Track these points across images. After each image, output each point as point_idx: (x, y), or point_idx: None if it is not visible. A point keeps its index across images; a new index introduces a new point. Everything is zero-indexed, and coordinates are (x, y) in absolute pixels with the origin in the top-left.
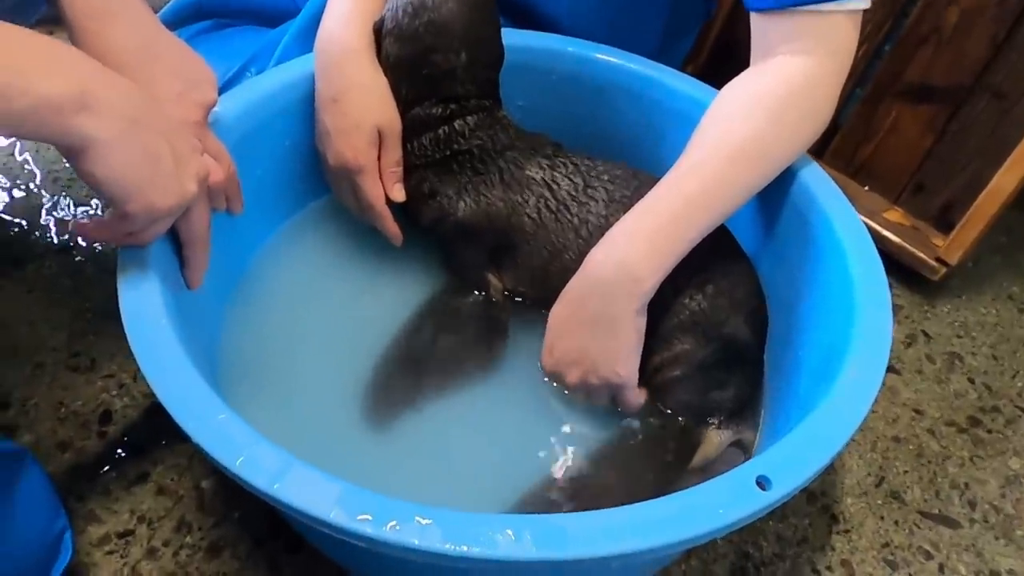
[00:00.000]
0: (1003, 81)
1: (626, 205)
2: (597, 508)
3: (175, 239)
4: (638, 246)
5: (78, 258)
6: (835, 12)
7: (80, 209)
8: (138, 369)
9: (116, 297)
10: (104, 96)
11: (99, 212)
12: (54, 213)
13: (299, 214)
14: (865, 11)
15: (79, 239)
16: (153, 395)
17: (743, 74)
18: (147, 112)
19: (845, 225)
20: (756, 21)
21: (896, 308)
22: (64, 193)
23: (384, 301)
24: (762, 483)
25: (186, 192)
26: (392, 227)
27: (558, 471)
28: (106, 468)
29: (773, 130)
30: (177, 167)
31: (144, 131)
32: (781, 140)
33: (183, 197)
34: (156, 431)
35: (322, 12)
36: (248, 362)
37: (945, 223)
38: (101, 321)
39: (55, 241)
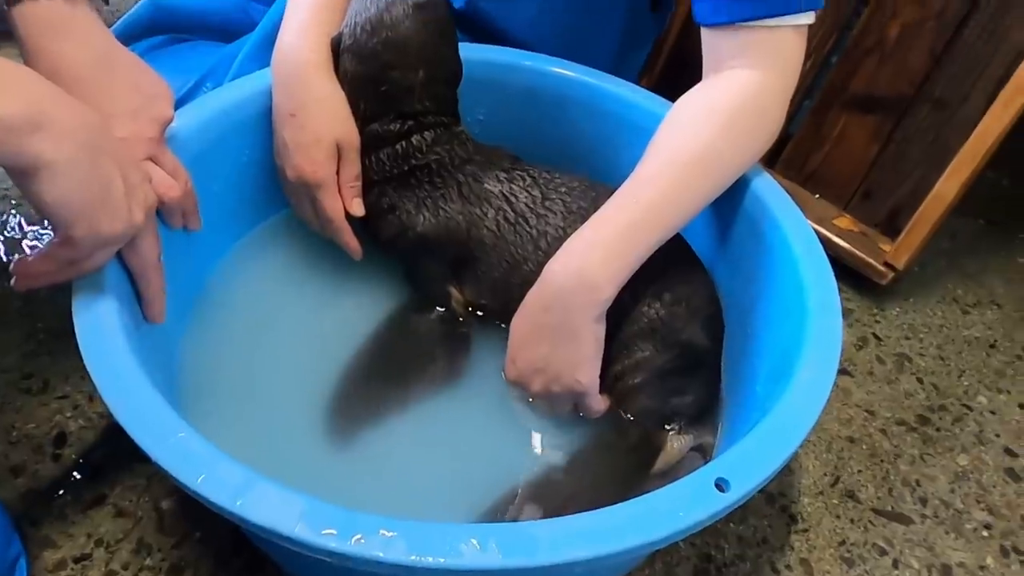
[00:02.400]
0: (943, 91)
1: (584, 216)
2: (562, 515)
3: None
4: (595, 255)
5: None
6: (782, 27)
7: (31, 229)
8: (93, 389)
9: (69, 317)
10: (59, 118)
11: (50, 233)
12: (4, 232)
13: (258, 228)
14: (811, 25)
15: (18, 283)
16: (109, 415)
17: (696, 87)
18: (101, 137)
19: (796, 233)
20: (706, 35)
21: (847, 312)
22: (13, 211)
23: (345, 315)
24: (721, 485)
25: (134, 220)
26: (352, 241)
27: (524, 480)
28: (61, 492)
29: (725, 141)
30: (127, 194)
31: (97, 155)
32: (733, 150)
33: (130, 224)
34: (113, 452)
35: (279, 26)
36: (208, 378)
37: (893, 229)
38: (54, 341)
39: (4, 260)
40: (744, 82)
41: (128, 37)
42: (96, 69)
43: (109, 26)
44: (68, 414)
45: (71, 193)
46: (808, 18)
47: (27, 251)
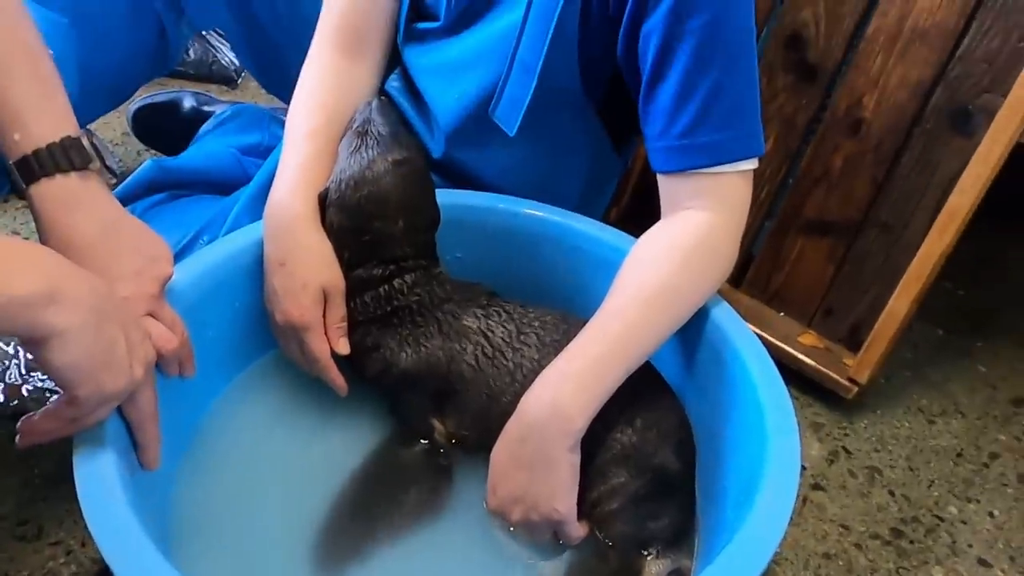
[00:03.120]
0: (887, 215)
1: (557, 349)
2: None
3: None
4: (568, 388)
5: None
6: (729, 172)
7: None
8: (87, 534)
9: (66, 461)
10: (71, 290)
11: (46, 380)
12: (5, 379)
13: (248, 369)
14: (763, 158)
15: (23, 440)
16: (102, 560)
17: (655, 226)
18: (106, 302)
19: (752, 357)
20: (662, 180)
21: (817, 426)
22: (13, 359)
23: (332, 449)
24: None
25: (135, 376)
26: (338, 378)
27: None
28: None
29: (682, 276)
30: (128, 352)
31: (104, 320)
32: (690, 284)
33: (132, 381)
34: None
35: (271, 181)
36: (200, 517)
37: (855, 343)
38: (50, 487)
39: (5, 405)
40: (698, 222)
41: (134, 195)
42: (104, 236)
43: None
44: (61, 560)
45: (79, 357)
46: (751, 164)
47: (26, 395)
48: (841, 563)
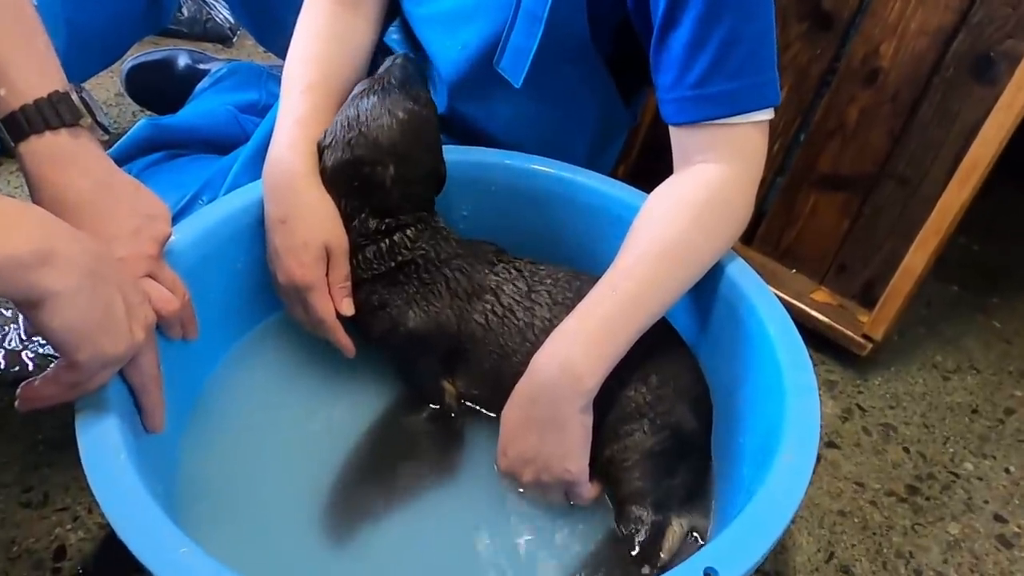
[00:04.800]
0: (904, 168)
1: (569, 307)
2: None
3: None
4: (579, 347)
5: None
6: (743, 124)
7: (34, 340)
8: (93, 500)
9: (70, 427)
10: (64, 250)
11: (47, 345)
12: (3, 345)
13: (253, 331)
14: (777, 109)
15: (22, 406)
16: (108, 526)
17: (667, 181)
18: (102, 263)
19: (771, 317)
20: (674, 133)
21: (831, 384)
22: (12, 324)
23: (340, 413)
24: (710, 574)
25: (135, 339)
26: (344, 339)
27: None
28: None
29: (696, 232)
30: (127, 315)
31: (98, 281)
32: (704, 240)
33: (132, 344)
34: (113, 563)
35: (270, 138)
36: (207, 481)
37: (868, 300)
38: (55, 452)
39: (6, 371)
40: (711, 176)
41: (129, 155)
42: (97, 195)
43: (108, 147)
44: (68, 526)
45: (76, 320)
46: (766, 114)
47: (27, 361)
48: (856, 520)
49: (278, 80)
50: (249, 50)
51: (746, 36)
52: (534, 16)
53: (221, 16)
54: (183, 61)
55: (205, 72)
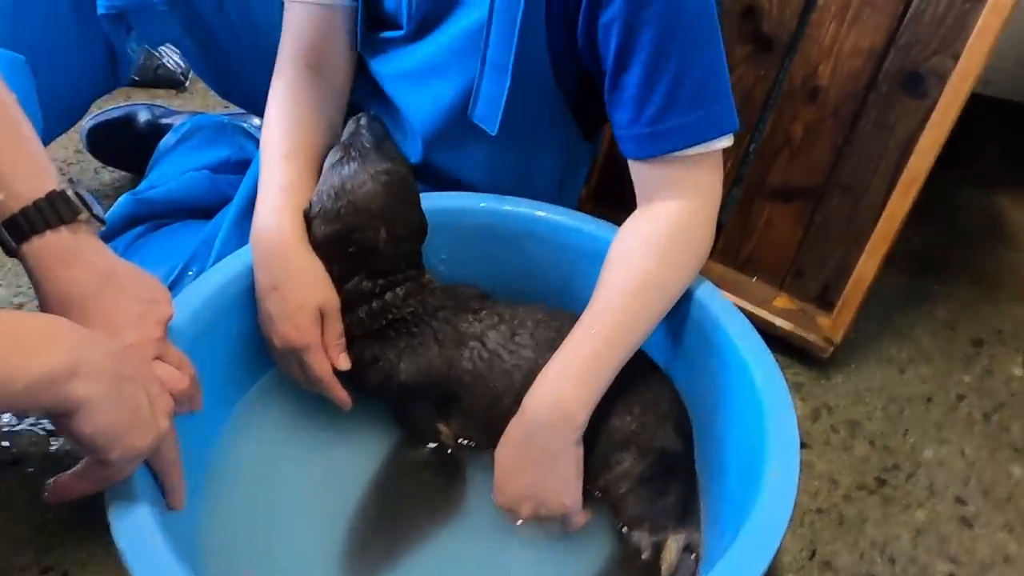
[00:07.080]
0: (849, 179)
1: (551, 346)
2: None
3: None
4: (568, 385)
5: (30, 469)
6: (700, 154)
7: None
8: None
9: (76, 505)
10: (90, 359)
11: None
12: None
13: (250, 392)
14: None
15: (51, 499)
16: None
17: (632, 217)
18: (124, 363)
19: (740, 335)
20: (634, 167)
21: (798, 385)
22: None
23: (344, 460)
24: None
25: (160, 430)
26: (341, 394)
27: None
28: None
29: (663, 267)
30: (151, 407)
31: (125, 383)
32: (672, 274)
33: (158, 435)
34: None
35: (252, 198)
36: (226, 545)
37: (826, 302)
38: (64, 531)
39: (7, 453)
40: (672, 211)
41: (114, 231)
42: (102, 286)
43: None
44: None
45: (107, 424)
46: (726, 141)
47: (23, 437)
48: (833, 516)
49: (244, 132)
50: (203, 94)
51: (696, 69)
52: (500, 66)
53: (172, 61)
54: (143, 117)
55: (167, 127)
